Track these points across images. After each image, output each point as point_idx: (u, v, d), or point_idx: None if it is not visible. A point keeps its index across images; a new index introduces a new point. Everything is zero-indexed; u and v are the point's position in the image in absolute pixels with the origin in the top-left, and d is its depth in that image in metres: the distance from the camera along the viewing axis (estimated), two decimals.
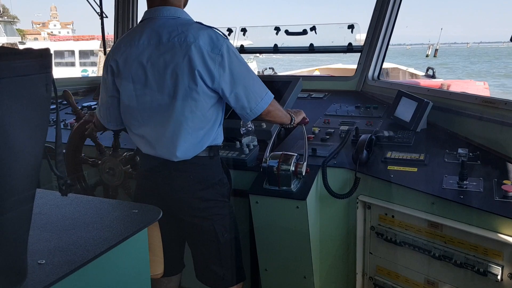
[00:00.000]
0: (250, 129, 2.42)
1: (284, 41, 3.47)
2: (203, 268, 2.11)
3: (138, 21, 3.97)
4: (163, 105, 1.87)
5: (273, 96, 1.98)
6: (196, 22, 1.92)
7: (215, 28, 1.89)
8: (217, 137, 1.99)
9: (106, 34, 4.15)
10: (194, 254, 2.14)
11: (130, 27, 3.96)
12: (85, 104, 3.45)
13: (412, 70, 11.47)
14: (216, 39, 1.83)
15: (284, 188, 2.08)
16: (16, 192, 0.65)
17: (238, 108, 1.91)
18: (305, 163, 2.08)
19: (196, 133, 1.89)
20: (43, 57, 0.69)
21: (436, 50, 48.44)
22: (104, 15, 3.93)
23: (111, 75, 1.97)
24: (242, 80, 1.87)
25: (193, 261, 2.14)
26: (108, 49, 4.09)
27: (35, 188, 0.71)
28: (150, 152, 1.97)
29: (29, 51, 0.68)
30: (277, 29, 3.44)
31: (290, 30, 3.40)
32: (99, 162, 2.52)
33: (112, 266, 0.89)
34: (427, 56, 46.67)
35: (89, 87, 3.93)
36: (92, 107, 3.37)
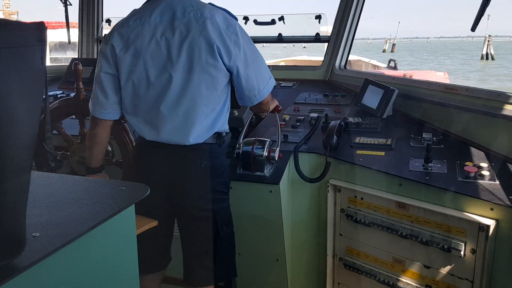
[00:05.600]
0: None
1: (252, 31, 3.50)
2: (194, 263, 1.99)
3: (104, 9, 3.94)
4: (178, 82, 1.80)
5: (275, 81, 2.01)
6: (208, 3, 1.91)
7: (227, 10, 1.90)
8: (225, 123, 1.95)
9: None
10: (187, 248, 2.01)
11: (96, 15, 3.88)
12: (50, 93, 3.38)
13: (374, 62, 11.78)
14: (230, 18, 1.85)
15: (258, 173, 2.13)
16: (16, 162, 0.67)
17: (247, 90, 1.89)
18: (277, 148, 2.13)
19: (210, 115, 1.85)
20: (39, 29, 0.70)
21: (394, 45, 48.63)
22: (68, 3, 3.83)
23: (115, 53, 1.86)
24: (253, 61, 1.88)
25: (183, 256, 2.02)
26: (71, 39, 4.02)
27: (33, 158, 0.72)
28: (157, 138, 1.86)
29: (24, 23, 0.69)
30: (246, 18, 3.46)
31: (258, 20, 3.43)
32: (68, 153, 2.47)
33: (104, 239, 0.91)
34: (383, 51, 46.95)
35: (55, 76, 3.84)
36: (58, 96, 3.30)
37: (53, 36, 14.36)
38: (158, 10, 1.84)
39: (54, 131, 2.55)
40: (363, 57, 12.03)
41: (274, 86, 3.12)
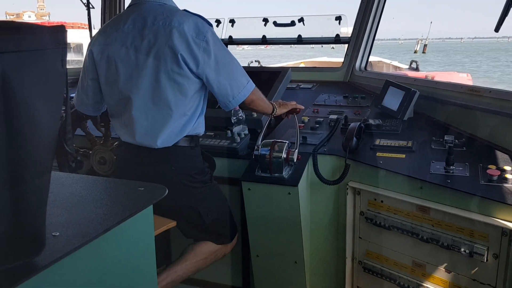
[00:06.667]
0: (241, 118, 2.45)
1: (272, 32, 3.50)
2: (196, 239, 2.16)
3: None
4: (145, 88, 1.89)
5: (255, 85, 2.02)
6: (183, 9, 1.96)
7: (201, 16, 1.93)
8: (198, 127, 2.02)
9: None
10: (184, 234, 2.17)
11: None
12: (72, 95, 3.43)
13: (396, 63, 11.63)
14: (201, 25, 1.88)
15: (276, 174, 2.12)
16: (37, 163, 0.68)
17: (220, 95, 1.95)
18: (296, 150, 2.12)
19: (179, 119, 1.92)
20: (59, 32, 0.71)
21: (425, 45, 46.93)
22: (91, 6, 3.89)
23: (93, 58, 2.00)
24: (226, 67, 1.91)
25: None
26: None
27: (53, 159, 0.74)
28: (130, 140, 1.98)
29: (45, 26, 0.71)
30: (265, 20, 3.46)
31: (278, 22, 3.43)
32: (90, 152, 2.52)
33: (122, 239, 0.92)
34: (415, 52, 45.65)
35: (76, 78, 3.90)
36: None
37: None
38: (131, 18, 1.92)
39: (80, 131, 2.60)
40: (385, 58, 11.89)
41: (293, 87, 3.15)
